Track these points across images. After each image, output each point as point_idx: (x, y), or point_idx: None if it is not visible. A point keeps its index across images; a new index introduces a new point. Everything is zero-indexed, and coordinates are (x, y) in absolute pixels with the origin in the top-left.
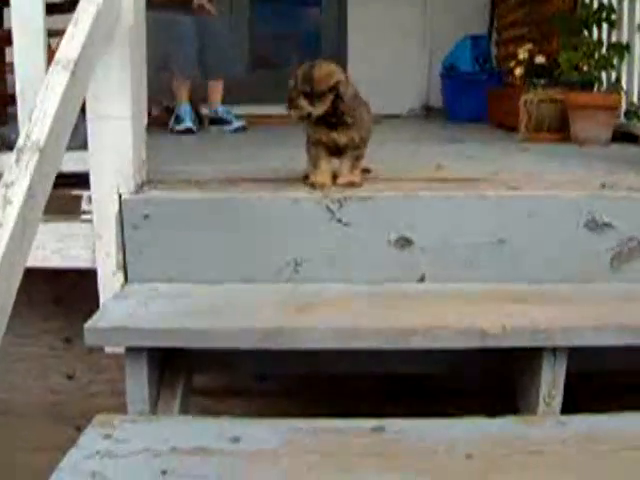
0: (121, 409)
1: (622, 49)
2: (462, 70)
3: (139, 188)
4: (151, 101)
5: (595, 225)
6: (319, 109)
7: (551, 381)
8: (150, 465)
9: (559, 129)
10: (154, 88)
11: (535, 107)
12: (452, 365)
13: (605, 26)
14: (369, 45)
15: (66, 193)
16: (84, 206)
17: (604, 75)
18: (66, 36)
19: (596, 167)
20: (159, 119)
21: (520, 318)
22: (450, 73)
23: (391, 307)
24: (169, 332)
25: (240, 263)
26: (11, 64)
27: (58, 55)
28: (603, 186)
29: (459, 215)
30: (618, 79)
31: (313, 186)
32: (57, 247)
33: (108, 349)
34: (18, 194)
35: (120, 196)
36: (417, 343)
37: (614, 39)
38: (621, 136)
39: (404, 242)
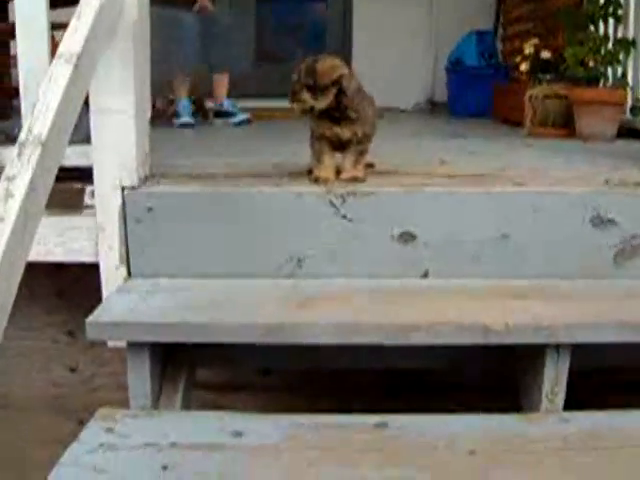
0: (124, 403)
1: (628, 44)
2: (468, 65)
3: (142, 181)
4: (155, 95)
5: (599, 221)
6: (322, 103)
7: (554, 378)
8: (152, 460)
9: (564, 125)
10: (157, 82)
11: (540, 102)
12: (453, 361)
13: (611, 21)
14: (374, 39)
15: (69, 187)
16: (87, 200)
17: (610, 71)
18: (69, 29)
19: (601, 163)
20: (163, 113)
21: (523, 314)
22: (456, 68)
23: (393, 302)
24: (171, 327)
25: (243, 258)
26: (15, 57)
27: (61, 49)
28: (608, 182)
29: (463, 210)
30: (624, 75)
31: (316, 181)
32: (60, 241)
33: (111, 343)
34: (20, 187)
35: (123, 190)
36: (419, 339)
37: (620, 34)
38: (626, 132)
39: (407, 237)
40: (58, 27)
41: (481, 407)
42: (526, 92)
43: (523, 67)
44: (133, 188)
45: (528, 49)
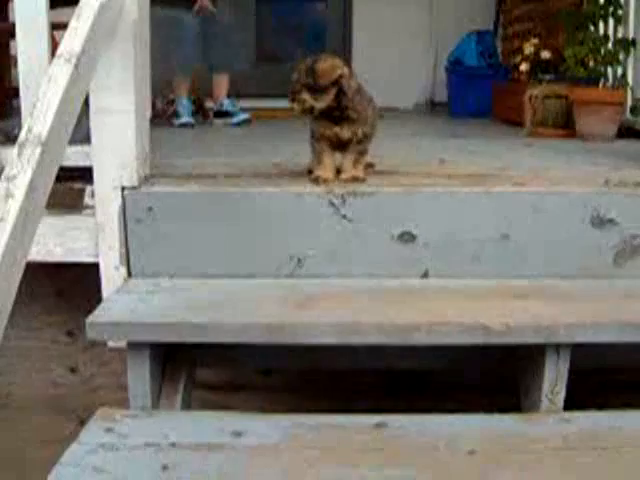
0: (124, 403)
1: (628, 44)
2: (467, 65)
3: (142, 182)
4: (155, 95)
5: (599, 221)
6: (322, 103)
7: (554, 378)
8: (151, 460)
9: (564, 125)
10: (157, 82)
11: (540, 102)
12: (453, 361)
13: (611, 21)
14: (374, 39)
15: (69, 187)
16: (87, 200)
17: (610, 71)
18: (69, 30)
19: (601, 163)
20: (163, 113)
21: (523, 314)
22: (455, 68)
23: (393, 302)
24: (171, 327)
25: (243, 258)
26: (15, 57)
27: (61, 49)
28: (608, 182)
29: (463, 210)
30: (624, 75)
31: (316, 181)
32: (60, 241)
33: (111, 343)
34: (20, 188)
35: (123, 189)
36: (419, 339)
37: (620, 34)
38: (626, 132)
39: (407, 237)
40: (58, 27)
41: (481, 407)
42: (526, 92)
43: (523, 67)
44: (133, 188)
45: (528, 49)
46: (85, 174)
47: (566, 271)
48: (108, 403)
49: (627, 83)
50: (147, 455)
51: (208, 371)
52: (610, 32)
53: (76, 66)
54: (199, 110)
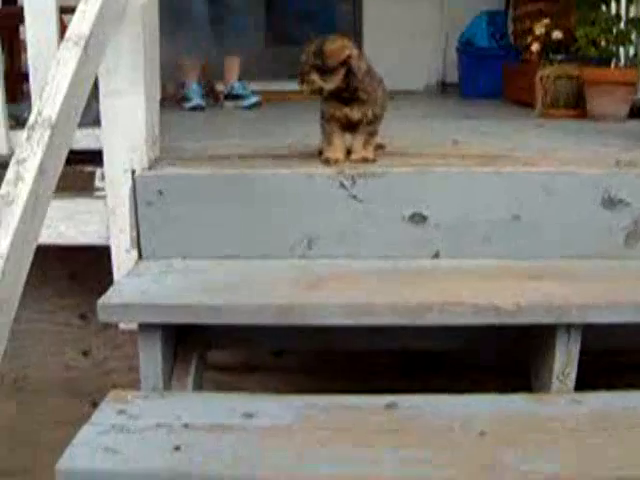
0: (136, 385)
1: None
2: (478, 46)
3: (153, 164)
4: (165, 78)
5: (610, 202)
6: (331, 84)
7: (565, 358)
8: (163, 441)
9: (575, 105)
10: (167, 65)
11: (551, 83)
12: (469, 341)
13: (623, 1)
14: (385, 21)
15: (79, 170)
16: (97, 183)
17: (622, 50)
18: (77, 13)
19: (612, 144)
20: (173, 96)
21: (535, 294)
22: (466, 49)
23: (405, 283)
24: (182, 308)
25: (254, 239)
26: (25, 42)
27: (69, 32)
28: (619, 163)
29: (474, 191)
30: (636, 54)
31: (327, 162)
32: (71, 224)
33: (123, 325)
34: (30, 171)
35: (133, 172)
36: (432, 319)
37: (632, 14)
38: (638, 112)
39: (418, 218)
40: (66, 11)
41: (497, 388)
42: (537, 73)
43: (534, 48)
44: (143, 171)
45: (539, 29)
46: (95, 157)
47: (577, 252)
48: (121, 386)
49: (639, 63)
50: (159, 436)
51: (221, 353)
52: (622, 12)
53: (85, 49)
54: (210, 93)
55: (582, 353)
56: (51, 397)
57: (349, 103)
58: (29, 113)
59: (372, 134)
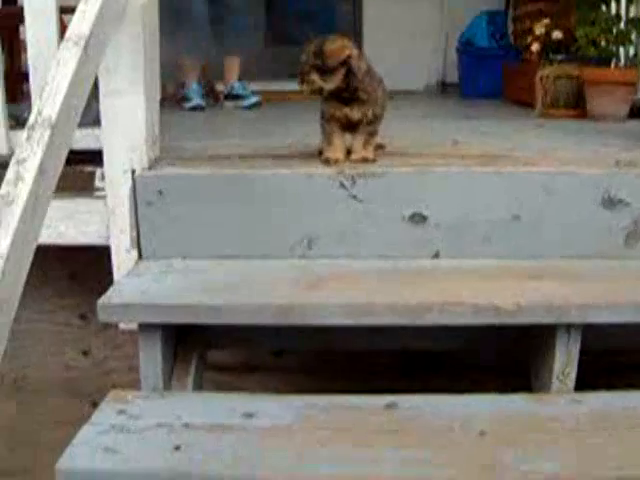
0: (137, 385)
1: None
2: (478, 46)
3: (153, 164)
4: (165, 78)
5: (610, 202)
6: (331, 84)
7: (565, 358)
8: (163, 440)
9: (575, 105)
10: (167, 65)
11: (551, 83)
12: (469, 342)
13: (623, 1)
14: (385, 21)
15: (79, 170)
16: (97, 183)
17: (622, 50)
18: (77, 13)
19: (612, 144)
20: (173, 96)
21: (535, 294)
22: (466, 49)
23: (405, 283)
24: (182, 308)
25: (254, 239)
26: (25, 42)
27: (69, 32)
28: (618, 163)
29: (474, 191)
30: (636, 54)
31: (327, 162)
32: (71, 224)
33: (123, 325)
34: (30, 171)
35: (133, 172)
36: (431, 319)
37: (632, 14)
38: (638, 112)
39: (418, 218)
40: (67, 11)
41: (496, 388)
42: (537, 73)
43: (534, 47)
44: (143, 170)
45: (539, 29)
46: (95, 157)
47: (577, 252)
48: (121, 386)
49: (639, 63)
50: (159, 436)
51: (221, 353)
52: (622, 12)
53: (85, 49)
54: (210, 93)
55: (582, 353)
56: (51, 397)
57: (349, 103)
58: (29, 113)
59: (372, 134)
